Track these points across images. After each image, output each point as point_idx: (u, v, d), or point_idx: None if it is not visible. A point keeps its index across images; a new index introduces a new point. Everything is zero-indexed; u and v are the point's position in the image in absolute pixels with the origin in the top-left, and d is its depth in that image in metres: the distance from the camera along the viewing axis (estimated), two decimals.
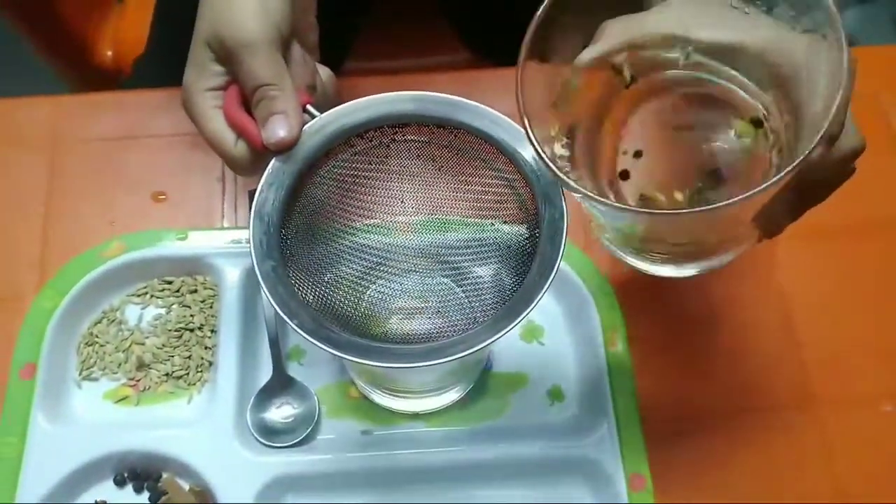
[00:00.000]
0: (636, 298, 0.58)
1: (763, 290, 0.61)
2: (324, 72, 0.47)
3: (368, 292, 0.44)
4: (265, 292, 0.37)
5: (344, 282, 0.43)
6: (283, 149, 0.40)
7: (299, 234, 0.41)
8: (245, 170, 0.42)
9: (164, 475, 0.53)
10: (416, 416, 0.55)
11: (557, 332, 0.58)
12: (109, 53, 0.94)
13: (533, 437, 0.54)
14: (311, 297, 0.40)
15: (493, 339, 0.36)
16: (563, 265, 0.55)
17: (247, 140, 0.42)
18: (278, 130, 0.40)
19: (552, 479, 0.53)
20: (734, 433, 0.55)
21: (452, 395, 0.55)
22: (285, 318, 0.37)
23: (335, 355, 0.36)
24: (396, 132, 0.42)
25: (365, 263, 0.44)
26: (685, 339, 0.59)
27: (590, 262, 0.58)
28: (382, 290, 0.44)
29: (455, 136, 0.42)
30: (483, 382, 0.56)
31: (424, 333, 0.41)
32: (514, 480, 0.53)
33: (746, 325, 0.60)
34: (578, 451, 0.53)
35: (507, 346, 0.57)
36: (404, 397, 0.54)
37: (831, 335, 0.59)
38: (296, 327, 0.36)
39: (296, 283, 0.39)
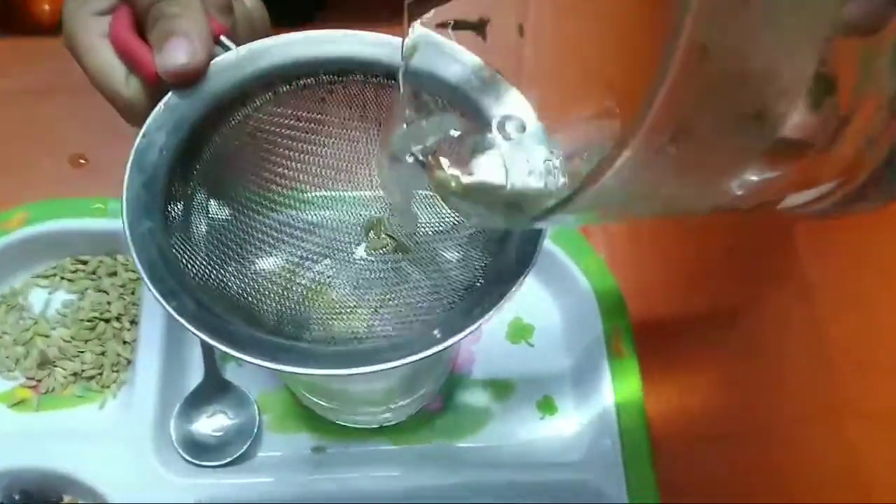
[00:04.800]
0: (647, 299, 0.53)
1: (787, 287, 0.55)
2: None
3: (280, 278, 0.38)
4: (134, 259, 0.29)
5: (252, 263, 0.36)
6: (183, 81, 0.33)
7: (195, 196, 0.34)
8: (140, 115, 0.34)
9: (66, 499, 0.48)
10: (378, 430, 0.50)
11: (551, 333, 0.54)
12: (47, 7, 0.89)
13: (518, 458, 0.50)
14: (206, 278, 0.33)
15: (442, 346, 0.28)
16: (561, 255, 0.53)
17: (138, 72, 0.34)
18: (177, 55, 0.33)
19: None
20: (755, 455, 0.50)
21: (409, 409, 0.49)
22: (157, 296, 0.28)
23: (228, 353, 0.28)
24: (335, 82, 0.35)
25: (278, 242, 0.38)
26: (701, 347, 0.53)
27: (592, 251, 0.53)
28: (298, 274, 0.38)
29: None
30: (460, 390, 0.52)
31: (352, 332, 0.36)
32: None
33: (769, 329, 0.54)
34: (574, 476, 0.49)
35: (490, 347, 0.53)
36: (342, 409, 0.48)
37: (862, 338, 0.54)
38: (173, 311, 0.28)
39: (184, 256, 0.31)
